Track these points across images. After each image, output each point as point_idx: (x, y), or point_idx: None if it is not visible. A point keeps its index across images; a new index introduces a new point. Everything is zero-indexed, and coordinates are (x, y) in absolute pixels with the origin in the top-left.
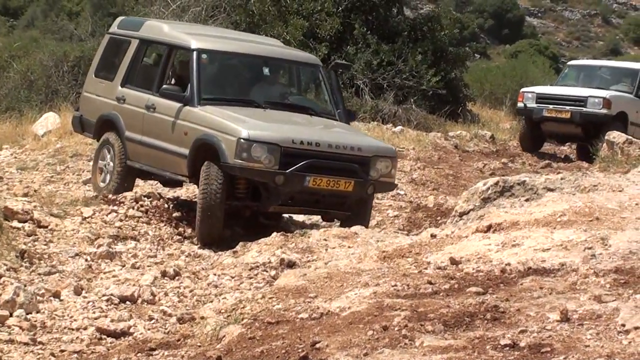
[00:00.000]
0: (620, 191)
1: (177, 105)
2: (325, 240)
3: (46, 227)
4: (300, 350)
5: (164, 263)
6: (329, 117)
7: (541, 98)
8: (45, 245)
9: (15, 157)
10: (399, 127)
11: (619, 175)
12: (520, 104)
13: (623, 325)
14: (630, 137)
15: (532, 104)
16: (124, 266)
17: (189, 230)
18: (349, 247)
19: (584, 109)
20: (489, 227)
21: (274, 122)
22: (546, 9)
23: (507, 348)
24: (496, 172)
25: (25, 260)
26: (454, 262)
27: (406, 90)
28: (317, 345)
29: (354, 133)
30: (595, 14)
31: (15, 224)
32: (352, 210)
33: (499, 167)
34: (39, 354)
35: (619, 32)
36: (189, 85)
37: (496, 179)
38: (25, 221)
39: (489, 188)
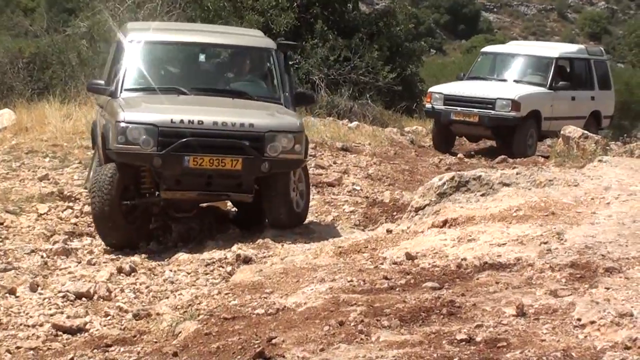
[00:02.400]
0: (575, 186)
1: (108, 99)
2: (281, 236)
3: (1, 224)
4: (256, 345)
5: (119, 259)
6: (270, 101)
7: (449, 99)
8: (0, 242)
9: None
10: (355, 123)
11: (575, 170)
12: (428, 105)
13: (579, 319)
14: (585, 132)
15: (440, 106)
16: (79, 263)
17: None
18: (304, 242)
19: (493, 112)
20: (445, 222)
21: (173, 105)
22: (502, 4)
23: (463, 343)
24: (452, 167)
25: None
26: (409, 257)
27: (362, 86)
28: (273, 341)
29: (265, 112)
30: (551, 9)
31: None
32: (256, 192)
33: (455, 162)
34: None
35: (575, 27)
36: (116, 77)
37: (452, 174)
38: None
39: (444, 183)
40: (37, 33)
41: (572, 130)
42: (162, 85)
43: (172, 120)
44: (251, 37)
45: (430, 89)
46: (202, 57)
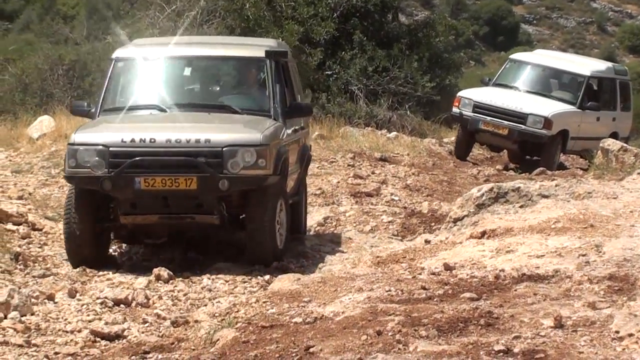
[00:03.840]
0: (614, 198)
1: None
2: (319, 245)
3: (40, 229)
4: (294, 354)
5: (158, 266)
6: (257, 114)
7: (478, 107)
8: (39, 247)
9: (10, 160)
10: (394, 133)
11: (614, 183)
12: (455, 109)
13: (617, 332)
14: (625, 145)
15: (468, 112)
16: (118, 269)
17: None
18: (343, 252)
19: (523, 127)
20: (483, 233)
21: (134, 124)
22: (541, 16)
23: (501, 354)
24: (490, 178)
25: (20, 262)
26: (448, 267)
27: (401, 96)
28: (311, 350)
29: (231, 126)
30: (591, 22)
31: (9, 226)
32: (222, 214)
33: (494, 174)
34: (33, 356)
35: (614, 40)
36: (98, 97)
37: (490, 185)
38: (19, 224)
39: (483, 194)
40: (77, 40)
41: (611, 143)
42: (143, 103)
43: (122, 139)
44: (240, 46)
45: (460, 93)
46: (187, 71)
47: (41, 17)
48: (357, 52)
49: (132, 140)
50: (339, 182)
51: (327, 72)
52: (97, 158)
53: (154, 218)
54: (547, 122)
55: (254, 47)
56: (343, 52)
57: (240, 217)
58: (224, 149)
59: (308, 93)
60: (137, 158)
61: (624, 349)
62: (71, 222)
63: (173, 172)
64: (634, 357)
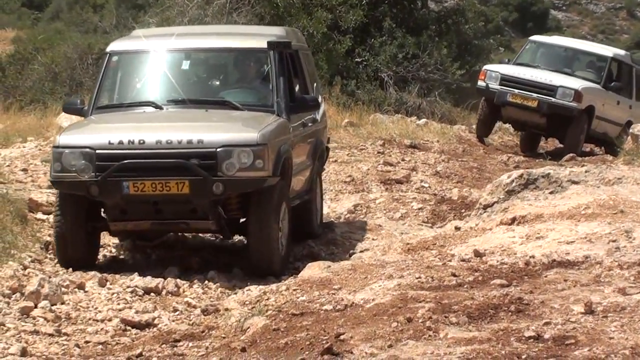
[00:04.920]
0: None
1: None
2: (349, 232)
3: None
4: (324, 341)
5: (188, 255)
6: (259, 109)
7: (506, 80)
8: None
9: (40, 149)
10: (423, 120)
11: None
12: (481, 83)
13: None
14: None
15: (495, 85)
16: (148, 258)
17: None
18: (373, 239)
19: (553, 99)
20: (513, 220)
21: (123, 124)
22: (571, 2)
23: (532, 340)
24: (520, 164)
25: (50, 251)
26: (478, 254)
27: (430, 83)
28: (342, 337)
29: (226, 124)
30: (620, 7)
31: (39, 215)
32: (219, 219)
33: (523, 160)
34: (63, 345)
35: None
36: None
37: (520, 171)
38: (49, 213)
39: (513, 181)
40: (107, 29)
41: None
42: (137, 100)
43: (109, 141)
44: (241, 36)
45: (486, 67)
46: (186, 65)
47: (70, 6)
48: (387, 39)
49: (120, 142)
50: (368, 169)
51: (356, 59)
52: (83, 161)
53: (145, 224)
54: (577, 95)
55: (256, 37)
56: (372, 39)
57: (240, 220)
58: (218, 149)
59: (337, 80)
60: (125, 161)
61: None
62: (61, 223)
63: (164, 175)
64: None
